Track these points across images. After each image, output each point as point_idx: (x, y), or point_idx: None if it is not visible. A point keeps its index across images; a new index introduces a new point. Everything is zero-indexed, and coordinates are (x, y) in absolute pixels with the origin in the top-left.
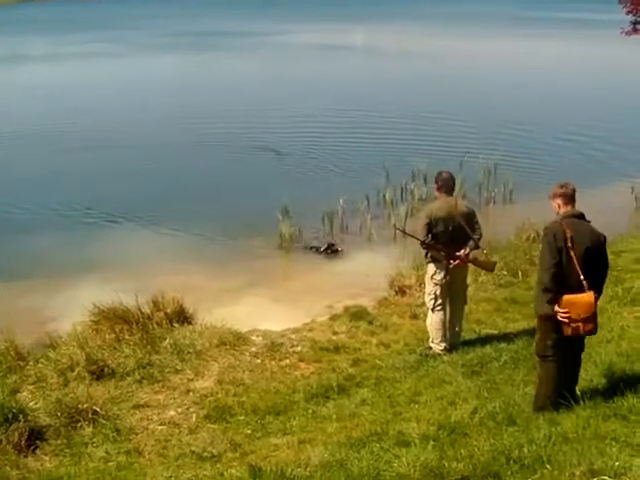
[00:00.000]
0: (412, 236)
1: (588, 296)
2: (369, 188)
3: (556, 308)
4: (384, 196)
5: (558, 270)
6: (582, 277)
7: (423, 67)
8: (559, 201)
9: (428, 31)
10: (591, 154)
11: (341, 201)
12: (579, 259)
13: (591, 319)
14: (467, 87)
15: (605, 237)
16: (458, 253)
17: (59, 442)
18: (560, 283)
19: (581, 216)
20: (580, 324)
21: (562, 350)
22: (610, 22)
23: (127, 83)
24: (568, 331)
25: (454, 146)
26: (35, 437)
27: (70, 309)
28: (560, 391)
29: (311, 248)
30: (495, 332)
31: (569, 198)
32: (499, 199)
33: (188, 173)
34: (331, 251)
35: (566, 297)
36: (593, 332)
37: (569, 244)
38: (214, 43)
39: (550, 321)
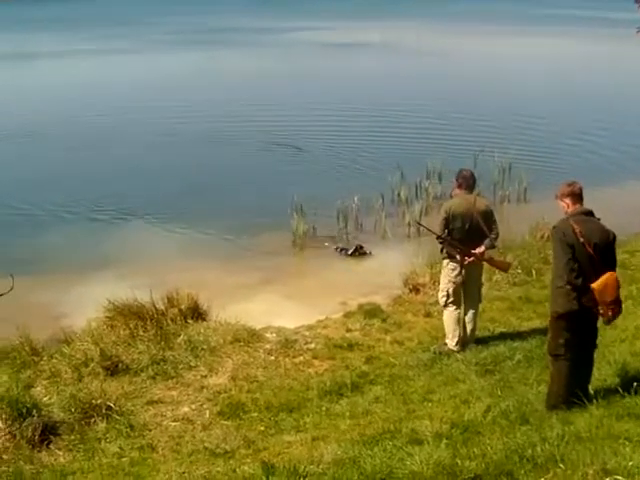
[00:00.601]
0: (429, 230)
1: (611, 274)
2: (384, 186)
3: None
4: (399, 194)
5: (575, 264)
6: (597, 262)
7: (439, 65)
8: (568, 200)
9: (443, 29)
10: (605, 153)
11: (356, 199)
12: (591, 252)
13: (619, 298)
14: (483, 85)
15: (615, 235)
16: (473, 251)
17: (73, 437)
18: (580, 275)
19: (590, 213)
20: (616, 305)
21: (574, 349)
22: (627, 21)
23: (139, 81)
24: (609, 315)
25: (469, 144)
26: (49, 432)
27: (84, 305)
28: (572, 390)
29: (340, 250)
30: (509, 331)
31: (577, 197)
32: (513, 198)
33: (202, 170)
34: (359, 253)
35: (595, 285)
36: (620, 311)
37: (580, 239)
38: (226, 40)
39: (563, 319)
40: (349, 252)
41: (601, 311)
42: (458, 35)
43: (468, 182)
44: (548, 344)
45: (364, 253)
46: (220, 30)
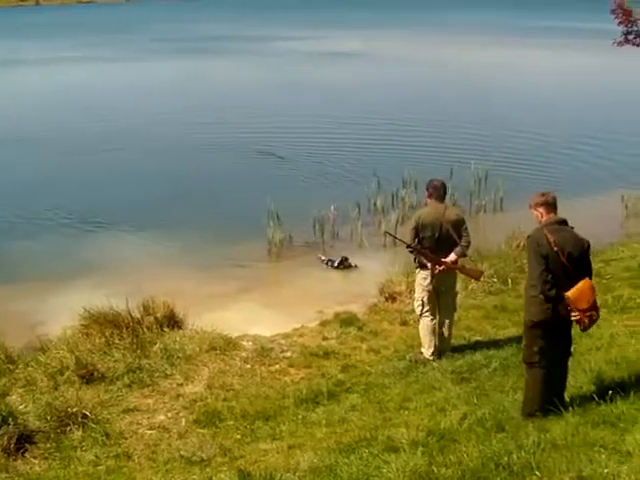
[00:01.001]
0: (399, 239)
1: (585, 282)
2: (360, 195)
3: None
4: (375, 203)
5: (549, 275)
6: (571, 271)
7: (417, 75)
8: (541, 210)
9: (422, 39)
10: (582, 163)
11: (332, 207)
12: (564, 261)
13: (595, 304)
14: (460, 95)
15: (589, 243)
16: (444, 259)
17: (48, 446)
18: (554, 286)
19: (564, 222)
20: (593, 311)
21: (549, 356)
22: (603, 31)
23: (124, 88)
24: (584, 322)
25: (446, 154)
26: (24, 440)
27: (60, 313)
28: (548, 397)
29: (327, 262)
30: (485, 339)
31: (550, 206)
32: (489, 207)
33: (180, 178)
34: (344, 267)
35: (570, 293)
36: (597, 316)
37: (554, 248)
38: (211, 48)
39: (538, 327)
40: (335, 264)
41: (576, 318)
42: (437, 45)
43: (439, 192)
44: (523, 352)
45: (349, 266)
46: (206, 38)
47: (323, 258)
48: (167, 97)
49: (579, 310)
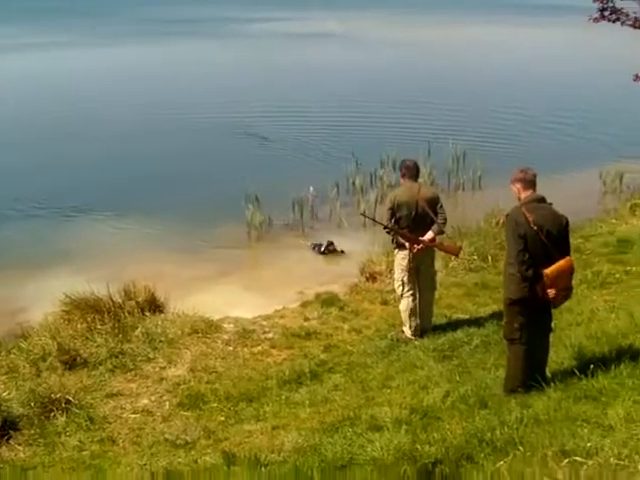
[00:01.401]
0: (376, 221)
1: (566, 261)
2: (339, 175)
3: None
4: (354, 183)
5: (526, 255)
6: (550, 248)
7: (394, 55)
8: (518, 185)
9: (399, 19)
10: (560, 140)
11: (311, 188)
12: (544, 239)
13: (570, 283)
14: (437, 74)
15: (567, 220)
16: (422, 238)
17: (32, 432)
18: (532, 266)
19: (542, 200)
20: (569, 291)
21: (529, 332)
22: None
23: (100, 72)
24: (559, 301)
25: (423, 133)
26: (8, 427)
27: (41, 299)
28: (529, 373)
29: (314, 247)
30: (466, 317)
31: (528, 183)
32: (468, 185)
33: (157, 162)
34: (328, 251)
35: (548, 271)
36: (570, 296)
37: (533, 227)
38: (189, 30)
39: (517, 304)
40: (322, 249)
41: (552, 296)
42: (414, 25)
43: (411, 172)
44: (504, 329)
45: (334, 250)
46: (184, 21)
47: (309, 244)
48: (143, 81)
49: (556, 288)
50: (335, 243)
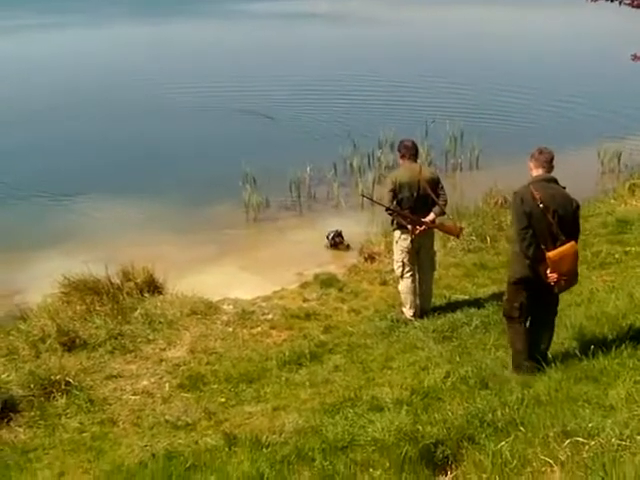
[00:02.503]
0: (378, 203)
1: (571, 246)
2: (336, 156)
3: (547, 270)
4: (351, 164)
5: (530, 234)
6: (556, 231)
7: (391, 34)
8: (531, 164)
9: None
10: (558, 119)
11: (308, 169)
12: (550, 219)
13: (576, 270)
14: (435, 54)
15: (578, 203)
16: (423, 219)
17: (33, 414)
18: (535, 245)
19: (552, 180)
20: (569, 277)
21: (529, 313)
22: None
23: (96, 52)
24: (561, 285)
25: (421, 113)
26: (9, 409)
27: (39, 281)
28: (530, 352)
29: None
30: (465, 297)
31: (541, 163)
32: (466, 165)
33: (154, 142)
34: (335, 243)
35: (552, 254)
36: (575, 282)
37: (540, 205)
38: (183, 10)
39: (519, 283)
40: (330, 241)
41: (553, 279)
42: (411, 4)
43: (410, 151)
44: (503, 306)
45: (341, 243)
46: (180, 1)
47: (327, 234)
48: (139, 61)
49: (558, 272)
50: (343, 237)
